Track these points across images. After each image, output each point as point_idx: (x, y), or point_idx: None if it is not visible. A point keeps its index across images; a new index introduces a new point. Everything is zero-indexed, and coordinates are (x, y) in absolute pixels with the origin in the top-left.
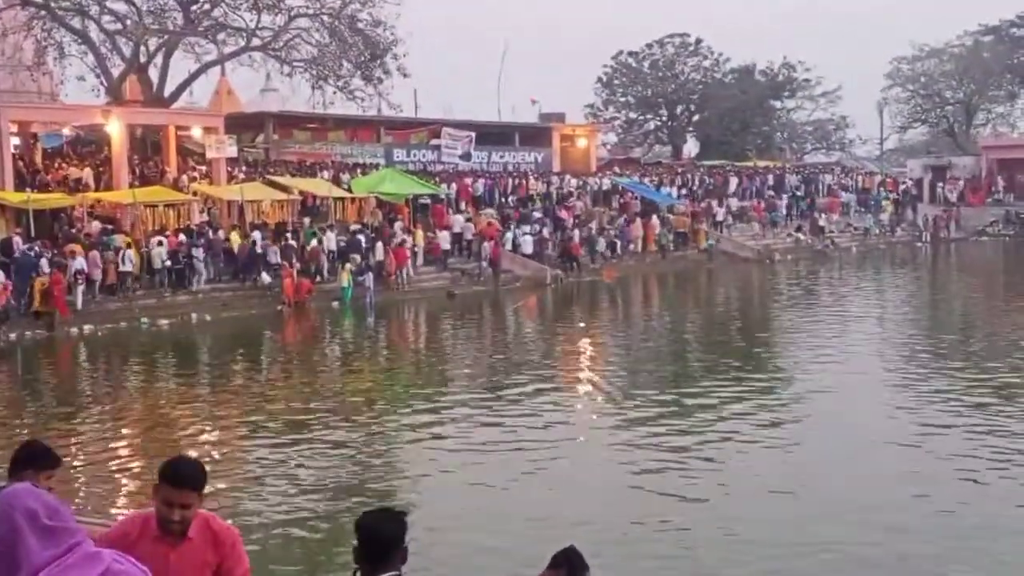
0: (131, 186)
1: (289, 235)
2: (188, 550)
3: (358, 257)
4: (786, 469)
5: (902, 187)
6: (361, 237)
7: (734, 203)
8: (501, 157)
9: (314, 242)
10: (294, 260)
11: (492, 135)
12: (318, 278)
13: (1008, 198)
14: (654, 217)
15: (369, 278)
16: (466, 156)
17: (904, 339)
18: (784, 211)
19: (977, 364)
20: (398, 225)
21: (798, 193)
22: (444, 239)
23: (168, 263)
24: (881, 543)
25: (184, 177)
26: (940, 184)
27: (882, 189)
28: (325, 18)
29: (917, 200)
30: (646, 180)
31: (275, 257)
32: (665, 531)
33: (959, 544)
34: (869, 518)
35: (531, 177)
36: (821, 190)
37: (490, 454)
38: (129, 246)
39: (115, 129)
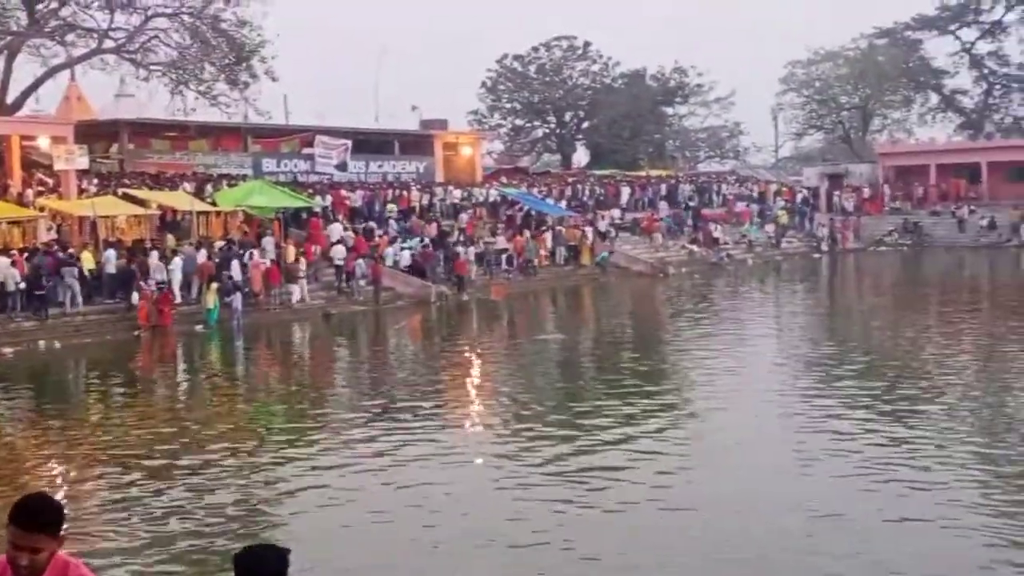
0: None
1: (156, 253)
2: None
3: (226, 276)
4: (677, 491)
5: (799, 196)
6: (229, 254)
7: (615, 214)
8: (380, 167)
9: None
10: (149, 280)
11: (370, 143)
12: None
13: (906, 207)
14: (547, 232)
15: (237, 299)
16: (342, 166)
17: (796, 357)
18: (676, 222)
19: (866, 383)
20: (268, 241)
21: (691, 203)
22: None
23: (23, 285)
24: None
25: (29, 191)
26: (837, 192)
27: (778, 198)
28: (185, 18)
29: (814, 209)
30: (535, 191)
31: (161, 274)
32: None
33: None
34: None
35: (413, 188)
36: (715, 200)
37: (369, 483)
38: None
39: None
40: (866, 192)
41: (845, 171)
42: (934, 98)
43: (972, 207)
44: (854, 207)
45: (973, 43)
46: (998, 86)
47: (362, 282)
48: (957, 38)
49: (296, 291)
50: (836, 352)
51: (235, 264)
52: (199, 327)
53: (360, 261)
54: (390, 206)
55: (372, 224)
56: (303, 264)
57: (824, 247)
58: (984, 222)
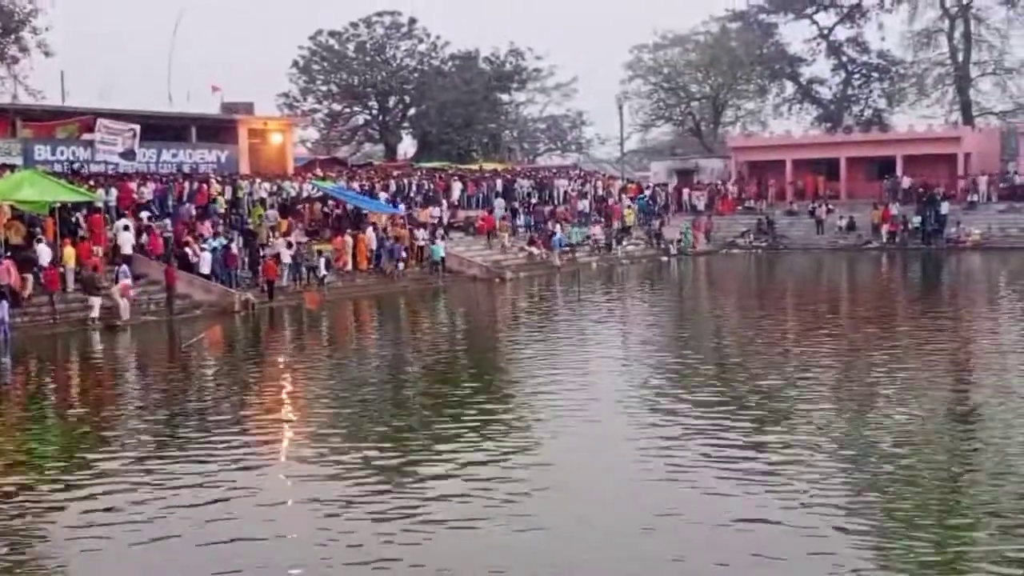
0: None
1: None
2: None
3: None
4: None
5: (647, 192)
6: None
7: (436, 211)
8: (174, 156)
9: None
10: None
11: (162, 129)
12: None
13: (760, 205)
14: (368, 230)
15: (3, 308)
16: (129, 154)
17: (639, 370)
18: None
19: (712, 395)
20: (40, 242)
21: (530, 200)
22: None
23: None
24: None
25: None
26: (686, 190)
27: (623, 196)
28: None
29: (663, 209)
30: (355, 185)
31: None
32: None
33: None
34: None
35: (213, 180)
36: (556, 197)
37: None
38: None
39: None
40: (726, 187)
41: (695, 166)
42: (790, 88)
43: (830, 206)
44: (706, 205)
45: (831, 28)
46: (857, 75)
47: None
48: (814, 22)
49: (97, 304)
50: (675, 379)
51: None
52: None
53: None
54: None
55: (166, 221)
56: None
57: (673, 250)
58: (843, 222)
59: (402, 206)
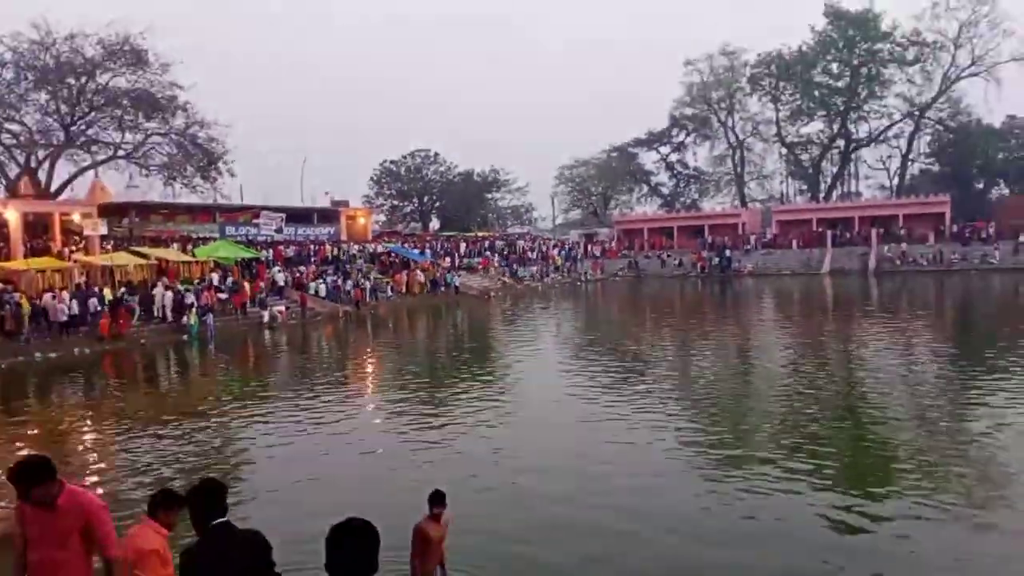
0: (24, 257)
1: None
2: (58, 515)
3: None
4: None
5: (568, 248)
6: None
7: (449, 260)
8: (305, 231)
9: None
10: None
11: (298, 215)
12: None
13: (630, 253)
14: (418, 272)
15: (210, 317)
16: (279, 231)
17: (571, 344)
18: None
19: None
20: (229, 280)
21: (505, 253)
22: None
23: (74, 312)
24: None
25: (67, 250)
26: (590, 245)
27: (554, 249)
28: (173, 136)
29: (578, 257)
30: (406, 245)
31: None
32: None
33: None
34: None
35: (327, 244)
36: (518, 250)
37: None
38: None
39: (12, 216)
40: (607, 245)
41: (595, 232)
42: (645, 188)
43: (669, 253)
44: (600, 253)
45: (668, 155)
46: (682, 181)
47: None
48: (658, 152)
49: (266, 314)
50: (596, 342)
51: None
52: (184, 337)
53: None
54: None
55: (301, 268)
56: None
57: (584, 278)
58: (676, 262)
59: (430, 256)
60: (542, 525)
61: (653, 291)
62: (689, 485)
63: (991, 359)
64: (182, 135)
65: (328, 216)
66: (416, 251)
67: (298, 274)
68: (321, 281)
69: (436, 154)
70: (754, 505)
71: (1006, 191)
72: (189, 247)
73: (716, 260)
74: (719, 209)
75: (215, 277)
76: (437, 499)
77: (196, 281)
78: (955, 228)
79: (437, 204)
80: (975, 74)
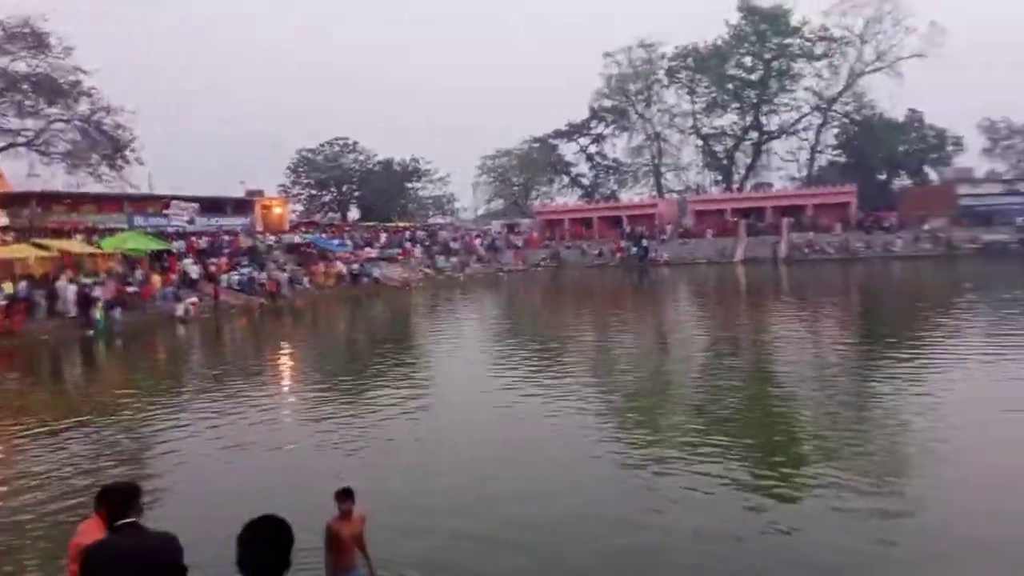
0: None
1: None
2: None
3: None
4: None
5: (491, 238)
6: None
7: (370, 250)
8: (218, 221)
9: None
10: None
11: (211, 205)
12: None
13: (552, 243)
14: (337, 262)
15: (117, 311)
16: (191, 221)
17: (497, 331)
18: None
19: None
20: (138, 272)
21: (426, 243)
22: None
23: None
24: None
25: None
26: (512, 236)
27: (477, 240)
28: (77, 122)
29: (501, 248)
30: (324, 235)
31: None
32: None
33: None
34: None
35: (241, 235)
36: (440, 241)
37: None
38: None
39: None
40: (529, 235)
41: (516, 223)
42: (565, 179)
43: (589, 243)
44: (522, 243)
45: (587, 146)
46: (601, 172)
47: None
48: (578, 143)
49: (180, 307)
50: (518, 332)
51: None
52: (90, 333)
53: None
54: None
55: (215, 259)
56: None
57: (506, 269)
58: (596, 252)
59: (350, 246)
60: (466, 514)
61: (574, 281)
62: (603, 469)
63: (892, 342)
64: (86, 121)
65: (243, 206)
66: (335, 241)
67: (212, 266)
68: (235, 273)
69: (355, 143)
70: (666, 487)
71: (907, 182)
72: (95, 238)
73: (634, 250)
74: (637, 200)
75: (123, 270)
76: (343, 496)
77: (103, 274)
78: (860, 218)
79: (356, 193)
80: (879, 69)
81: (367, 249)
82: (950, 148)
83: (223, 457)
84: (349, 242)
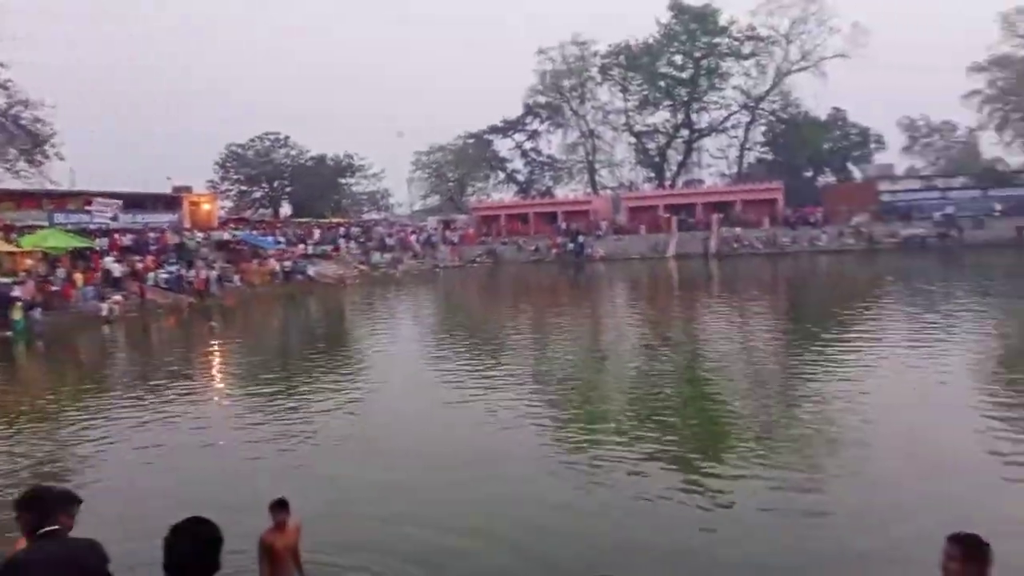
0: None
1: None
2: None
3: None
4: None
5: (426, 234)
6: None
7: (302, 247)
8: (144, 218)
9: None
10: None
11: (136, 201)
12: None
13: (488, 240)
14: (270, 259)
15: (37, 311)
16: (115, 218)
17: (428, 328)
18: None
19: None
20: (60, 271)
21: (361, 240)
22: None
23: None
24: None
25: None
26: (447, 232)
27: (412, 236)
28: None
29: (437, 244)
30: (255, 232)
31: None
32: None
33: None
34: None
35: (168, 232)
36: (375, 237)
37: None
38: None
39: None
40: (465, 231)
41: (452, 219)
42: (501, 175)
43: (525, 239)
44: (458, 239)
45: (522, 142)
46: (536, 168)
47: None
48: (513, 140)
49: (104, 307)
50: (454, 328)
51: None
52: (8, 334)
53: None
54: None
55: (140, 258)
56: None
57: (442, 265)
58: (532, 247)
59: (284, 243)
60: (400, 517)
61: (511, 277)
62: (540, 461)
63: (817, 331)
64: (3, 115)
65: (169, 202)
66: (267, 238)
67: (137, 264)
68: (162, 271)
69: (286, 137)
70: (601, 480)
71: (832, 179)
72: (13, 236)
73: (570, 246)
74: (572, 196)
75: (43, 269)
76: (278, 507)
77: (21, 273)
78: (787, 213)
79: (288, 189)
80: (804, 68)
81: (300, 246)
82: (872, 146)
83: (149, 459)
84: (282, 239)
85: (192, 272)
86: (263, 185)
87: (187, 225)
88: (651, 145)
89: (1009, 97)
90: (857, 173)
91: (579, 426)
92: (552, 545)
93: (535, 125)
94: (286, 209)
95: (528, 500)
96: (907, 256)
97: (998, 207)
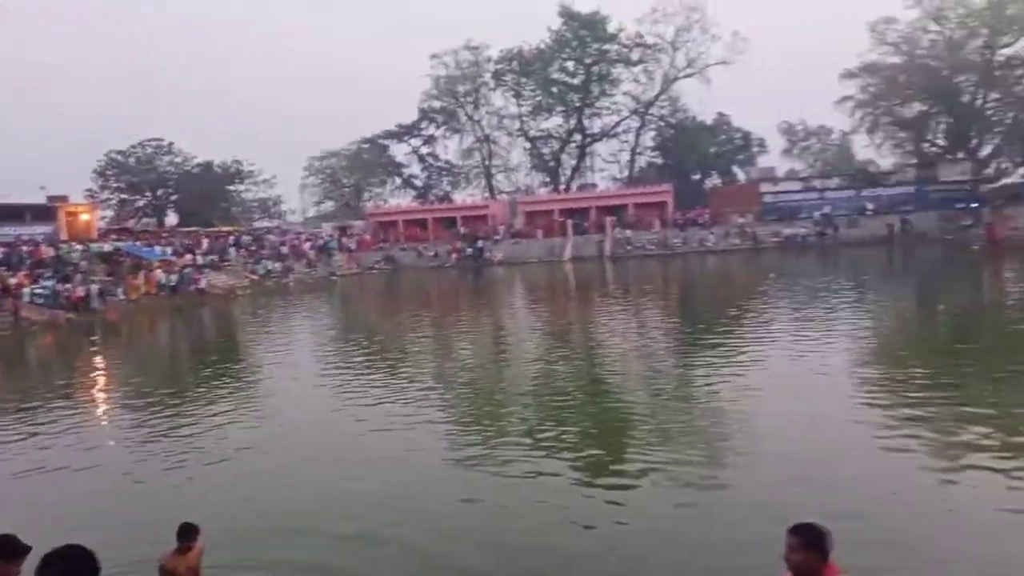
0: None
1: None
2: None
3: None
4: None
5: (321, 241)
6: None
7: (189, 257)
8: (15, 230)
9: None
10: None
11: (7, 213)
12: None
13: (386, 246)
14: (156, 271)
15: None
16: None
17: (326, 335)
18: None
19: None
20: None
21: (253, 248)
22: None
23: None
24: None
25: None
26: (344, 238)
27: (307, 243)
28: None
29: (333, 251)
30: (139, 243)
31: None
32: None
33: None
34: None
35: (43, 245)
36: (267, 245)
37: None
38: None
39: None
40: (361, 237)
41: (348, 225)
42: (398, 181)
43: (424, 245)
44: (355, 246)
45: (419, 147)
46: (433, 173)
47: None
48: (410, 145)
49: None
50: (351, 337)
51: None
52: None
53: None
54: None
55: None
56: None
57: (338, 272)
58: (431, 253)
59: (171, 253)
60: (299, 528)
61: (410, 283)
62: (441, 463)
63: (707, 328)
64: None
65: (43, 213)
66: (153, 249)
67: (10, 280)
68: (37, 286)
69: (170, 143)
70: (503, 481)
71: (718, 181)
72: None
73: (469, 251)
74: (470, 201)
75: None
76: (187, 532)
77: None
78: (677, 216)
79: (174, 197)
80: (690, 75)
81: (187, 256)
82: (754, 149)
83: (23, 484)
84: (168, 249)
85: (69, 286)
86: (146, 194)
87: (64, 237)
88: (546, 150)
89: (879, 102)
90: (741, 176)
91: (479, 427)
92: (455, 548)
93: (431, 130)
94: (172, 218)
95: (430, 503)
96: (789, 254)
97: (870, 206)
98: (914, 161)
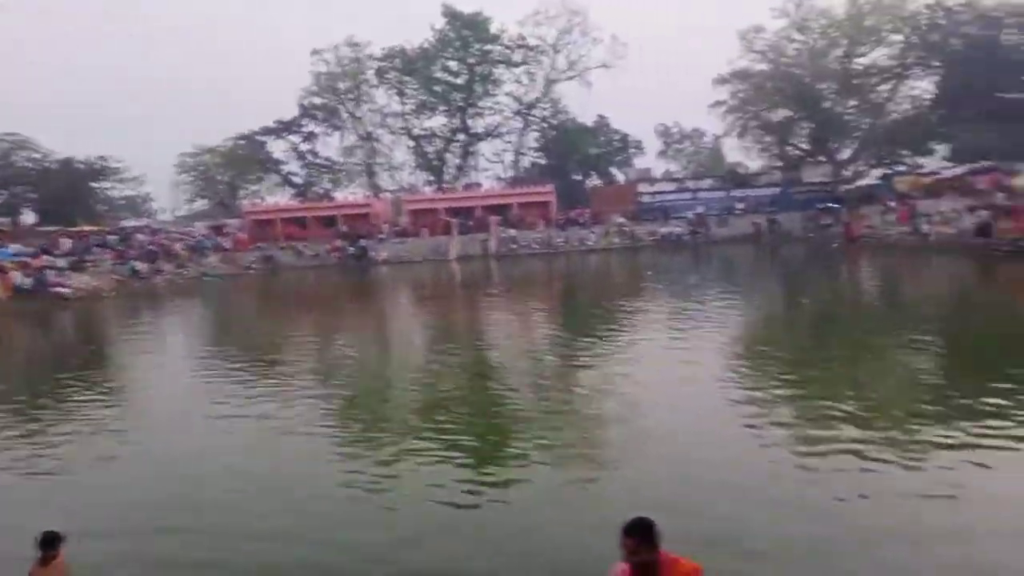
0: None
1: None
2: None
3: None
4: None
5: (193, 240)
6: None
7: (48, 258)
8: None
9: None
10: None
11: None
12: None
13: (265, 245)
14: (12, 273)
15: None
16: None
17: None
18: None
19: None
20: None
21: (119, 248)
22: None
23: None
24: None
25: None
26: (218, 237)
27: (179, 243)
28: None
29: (206, 250)
30: None
31: None
32: None
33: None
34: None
35: None
36: (136, 245)
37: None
38: None
39: None
40: (237, 236)
41: (223, 224)
42: (276, 178)
43: (304, 244)
44: (231, 245)
45: (298, 144)
46: (314, 171)
47: None
48: (288, 141)
49: None
50: (228, 340)
51: None
52: None
53: None
54: None
55: None
56: None
57: (212, 272)
58: (312, 252)
59: (24, 255)
60: (175, 539)
61: (289, 283)
62: (325, 468)
63: (589, 323)
64: None
65: None
66: (7, 249)
67: None
68: None
69: (27, 139)
70: (391, 480)
71: (598, 181)
72: None
73: (351, 250)
74: (352, 199)
75: None
76: (49, 543)
77: None
78: (559, 215)
79: (31, 195)
80: (571, 77)
81: (46, 257)
82: (632, 150)
83: None
84: (26, 249)
85: None
86: (1, 191)
87: None
88: (430, 149)
89: (748, 107)
90: (620, 176)
91: (365, 428)
92: (343, 550)
93: (311, 127)
94: (29, 217)
95: (316, 506)
96: (664, 252)
97: (740, 206)
98: (780, 164)
